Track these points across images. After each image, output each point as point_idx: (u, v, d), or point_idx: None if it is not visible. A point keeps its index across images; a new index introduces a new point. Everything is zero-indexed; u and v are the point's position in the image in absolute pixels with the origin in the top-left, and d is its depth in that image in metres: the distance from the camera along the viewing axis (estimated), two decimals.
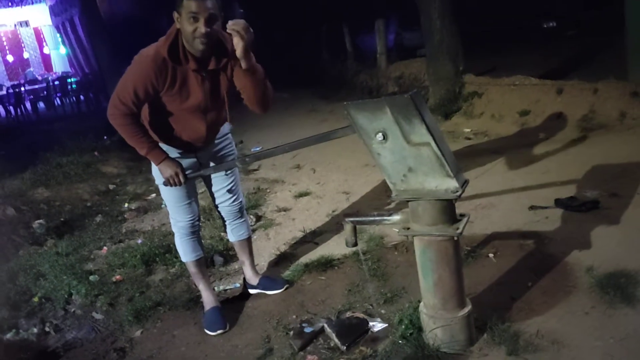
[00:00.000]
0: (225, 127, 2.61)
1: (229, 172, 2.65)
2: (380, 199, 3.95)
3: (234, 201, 2.71)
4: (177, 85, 2.24)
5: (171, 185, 2.38)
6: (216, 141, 2.57)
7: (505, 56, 9.43)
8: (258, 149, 6.08)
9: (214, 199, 2.75)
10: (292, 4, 13.34)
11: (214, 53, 2.25)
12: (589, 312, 2.19)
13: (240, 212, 2.78)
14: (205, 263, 2.86)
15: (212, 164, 2.58)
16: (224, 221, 2.81)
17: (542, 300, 2.32)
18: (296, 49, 13.07)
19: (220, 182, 2.67)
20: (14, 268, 3.60)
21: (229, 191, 2.68)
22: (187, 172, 2.39)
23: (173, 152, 2.44)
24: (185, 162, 2.46)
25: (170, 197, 2.55)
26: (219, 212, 2.79)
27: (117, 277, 3.27)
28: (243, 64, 2.15)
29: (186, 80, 2.26)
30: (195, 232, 2.65)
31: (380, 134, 1.85)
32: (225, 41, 2.24)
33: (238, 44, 2.08)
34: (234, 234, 2.83)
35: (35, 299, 3.14)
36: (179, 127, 2.39)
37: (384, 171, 1.94)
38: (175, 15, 2.15)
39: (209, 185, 2.72)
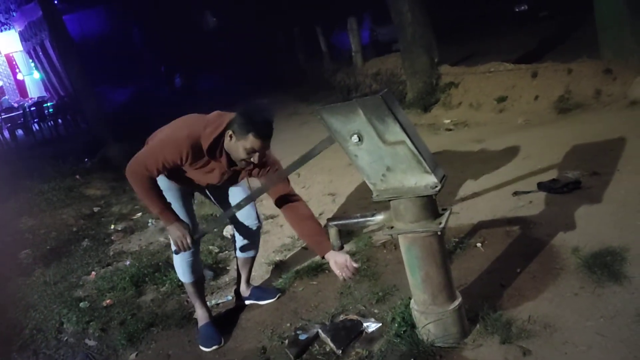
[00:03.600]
0: None
1: (239, 190, 2.64)
2: (366, 197, 3.95)
3: (256, 221, 2.70)
4: (199, 166, 2.33)
5: (179, 249, 2.41)
6: None
7: (480, 43, 9.51)
8: None
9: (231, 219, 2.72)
10: (262, 9, 13.32)
11: None
12: (578, 293, 2.20)
13: (258, 232, 2.76)
14: (203, 281, 2.82)
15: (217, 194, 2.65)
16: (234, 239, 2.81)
17: (532, 285, 2.34)
18: (271, 54, 13.06)
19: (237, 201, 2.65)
20: (3, 301, 3.54)
21: (250, 213, 2.67)
22: (195, 236, 2.44)
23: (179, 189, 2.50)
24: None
25: None
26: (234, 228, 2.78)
27: (108, 301, 3.23)
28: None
29: (210, 166, 2.34)
30: (195, 252, 2.58)
31: (355, 136, 1.85)
32: None
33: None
34: (242, 251, 2.79)
35: (27, 331, 3.09)
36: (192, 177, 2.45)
37: (363, 172, 1.94)
38: (230, 133, 2.19)
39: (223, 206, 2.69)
